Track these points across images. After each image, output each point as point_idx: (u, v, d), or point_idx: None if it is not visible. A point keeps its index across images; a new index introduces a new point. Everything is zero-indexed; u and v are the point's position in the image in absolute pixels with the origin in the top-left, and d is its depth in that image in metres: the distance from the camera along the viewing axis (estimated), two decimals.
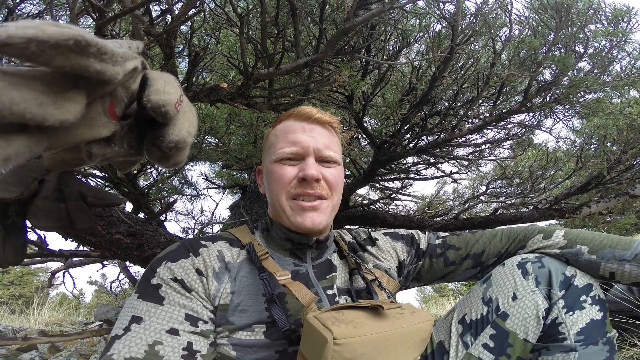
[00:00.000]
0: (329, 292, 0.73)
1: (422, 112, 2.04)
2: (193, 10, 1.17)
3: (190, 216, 2.55)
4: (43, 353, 1.43)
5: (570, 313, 0.66)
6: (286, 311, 0.66)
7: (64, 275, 2.15)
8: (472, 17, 1.43)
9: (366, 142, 2.90)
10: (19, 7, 1.41)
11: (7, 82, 0.26)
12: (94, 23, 0.96)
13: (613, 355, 0.66)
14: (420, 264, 0.86)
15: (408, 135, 2.26)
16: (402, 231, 0.92)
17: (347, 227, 3.30)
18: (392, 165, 2.77)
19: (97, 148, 0.38)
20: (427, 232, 0.91)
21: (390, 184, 3.23)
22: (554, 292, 0.67)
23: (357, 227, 3.31)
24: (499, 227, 0.90)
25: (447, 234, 0.90)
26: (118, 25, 1.41)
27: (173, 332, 0.58)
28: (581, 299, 0.67)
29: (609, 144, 1.95)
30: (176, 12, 1.13)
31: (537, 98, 1.66)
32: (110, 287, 2.31)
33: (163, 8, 1.12)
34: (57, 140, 0.32)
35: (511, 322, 0.67)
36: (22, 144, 0.28)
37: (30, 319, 2.32)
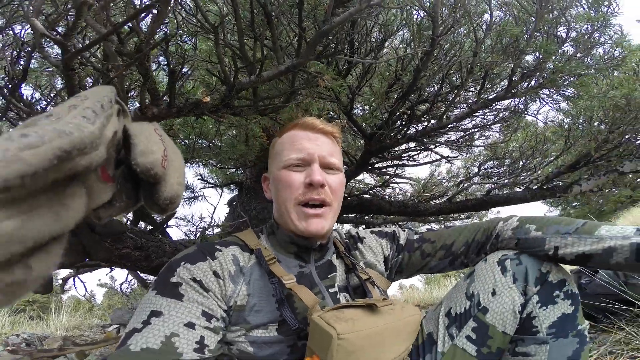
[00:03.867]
0: (331, 290, 0.80)
1: (409, 102, 2.03)
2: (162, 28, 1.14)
3: (190, 223, 2.59)
4: (71, 359, 1.51)
5: (544, 308, 0.70)
6: (294, 310, 0.72)
7: (74, 281, 2.21)
8: (452, 8, 1.40)
9: (358, 134, 2.89)
10: None
11: (24, 215, 0.27)
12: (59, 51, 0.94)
13: (583, 346, 0.70)
14: (400, 257, 0.94)
15: (397, 124, 2.25)
16: (386, 229, 1.00)
17: (337, 225, 3.34)
18: (384, 154, 2.78)
19: (103, 212, 0.39)
20: (406, 230, 0.99)
21: (385, 169, 3.25)
22: (529, 287, 0.71)
23: (354, 215, 3.35)
24: (470, 222, 0.96)
25: (425, 230, 0.98)
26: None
27: (190, 325, 0.62)
28: (554, 294, 0.71)
29: (596, 124, 1.95)
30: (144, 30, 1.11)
31: (523, 83, 1.65)
32: (120, 288, 2.38)
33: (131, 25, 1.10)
34: (67, 224, 0.33)
35: (490, 316, 0.72)
36: (57, 252, 0.31)
37: (50, 325, 2.41)
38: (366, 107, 2.77)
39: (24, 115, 1.38)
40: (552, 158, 2.47)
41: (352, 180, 3.40)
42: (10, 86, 1.25)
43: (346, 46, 1.75)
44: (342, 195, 0.83)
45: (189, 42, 1.80)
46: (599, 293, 1.37)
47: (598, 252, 0.67)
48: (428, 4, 1.52)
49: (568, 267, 0.78)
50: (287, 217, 0.77)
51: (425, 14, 1.52)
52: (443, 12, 1.51)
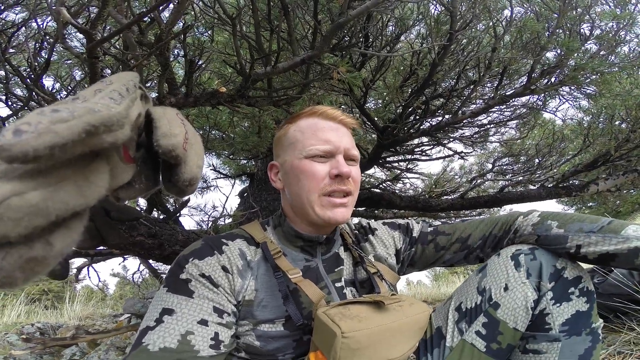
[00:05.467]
0: (337, 284, 0.79)
1: (424, 97, 2.01)
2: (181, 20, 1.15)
3: (203, 212, 2.64)
4: (83, 348, 1.56)
5: (558, 304, 0.69)
6: (299, 304, 0.72)
7: (88, 270, 2.29)
8: (471, 3, 1.37)
9: (370, 127, 2.88)
10: (1, 16, 1.40)
11: (50, 187, 0.28)
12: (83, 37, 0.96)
13: (596, 344, 0.69)
14: (413, 250, 0.92)
15: (411, 118, 2.24)
16: (400, 221, 0.98)
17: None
18: (397, 148, 2.76)
19: (122, 193, 0.41)
20: (420, 222, 0.96)
21: (396, 164, 3.23)
22: (543, 283, 0.69)
23: (364, 208, 3.35)
24: (486, 216, 0.94)
25: (439, 223, 0.95)
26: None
27: (203, 322, 0.63)
28: (569, 290, 0.69)
29: (617, 122, 1.89)
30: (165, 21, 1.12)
31: (542, 80, 1.61)
32: (132, 278, 2.45)
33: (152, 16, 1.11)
34: (90, 199, 0.34)
35: (502, 312, 0.70)
36: (77, 230, 0.32)
37: (64, 314, 2.50)
38: (379, 101, 2.75)
39: (45, 104, 1.42)
40: (569, 156, 2.42)
41: (363, 174, 3.40)
42: (32, 76, 1.28)
43: (361, 39, 1.74)
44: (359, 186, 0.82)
45: (205, 34, 1.81)
46: (612, 293, 1.34)
47: (623, 252, 0.65)
48: None
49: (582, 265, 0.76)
50: (309, 206, 0.75)
51: (443, 8, 1.49)
52: (462, 7, 1.48)
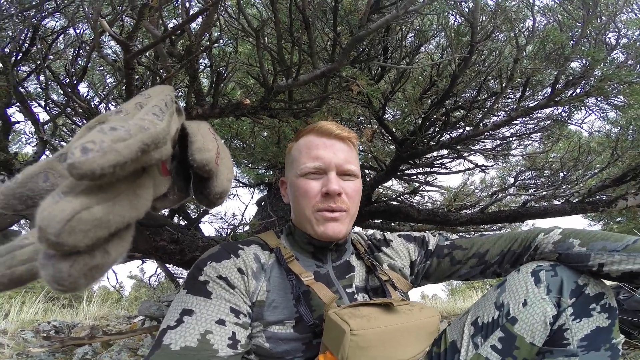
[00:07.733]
0: (349, 290, 0.81)
1: (444, 108, 2.00)
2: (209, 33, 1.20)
3: (223, 220, 2.69)
4: (96, 347, 1.60)
5: (577, 320, 0.68)
6: (310, 307, 0.74)
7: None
8: (492, 13, 1.37)
9: (388, 139, 2.87)
10: (42, 23, 1.48)
11: (109, 202, 0.31)
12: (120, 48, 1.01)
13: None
14: (429, 263, 0.92)
15: (431, 130, 2.22)
16: (415, 233, 0.99)
17: (360, 229, 3.31)
18: (416, 160, 2.74)
19: (158, 203, 0.43)
20: (437, 235, 0.97)
21: (415, 177, 3.20)
22: (563, 299, 0.69)
23: (380, 221, 3.31)
24: (506, 231, 0.93)
25: (456, 236, 0.95)
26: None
27: (221, 322, 0.65)
28: (590, 306, 0.69)
29: None
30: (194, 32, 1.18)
31: (567, 91, 1.58)
32: (149, 281, 2.50)
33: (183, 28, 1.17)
34: (140, 212, 0.36)
35: (519, 327, 0.70)
36: (128, 239, 0.35)
37: (80, 314, 2.56)
38: (398, 113, 2.75)
39: (80, 110, 1.50)
40: (596, 170, 2.34)
41: (380, 186, 3.37)
42: (69, 83, 1.36)
43: (380, 51, 1.76)
44: (359, 201, 0.84)
45: (230, 46, 1.88)
46: (638, 309, 1.29)
47: None
48: (467, 10, 1.50)
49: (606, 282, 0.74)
50: (306, 222, 0.79)
51: (463, 19, 1.50)
52: (482, 17, 1.49)
